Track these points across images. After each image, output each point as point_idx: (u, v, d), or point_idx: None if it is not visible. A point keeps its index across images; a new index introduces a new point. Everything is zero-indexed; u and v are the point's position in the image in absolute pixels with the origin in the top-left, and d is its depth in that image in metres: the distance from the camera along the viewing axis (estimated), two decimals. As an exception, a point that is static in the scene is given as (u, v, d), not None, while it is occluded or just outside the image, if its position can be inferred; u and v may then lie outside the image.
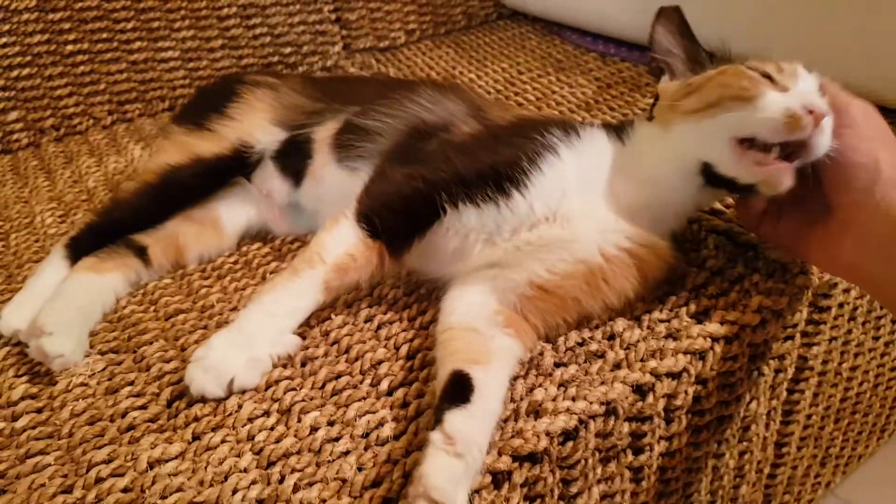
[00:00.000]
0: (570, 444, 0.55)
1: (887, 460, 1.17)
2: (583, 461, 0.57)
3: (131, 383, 0.62)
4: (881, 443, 1.10)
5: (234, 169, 0.81)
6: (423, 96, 0.79)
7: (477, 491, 0.51)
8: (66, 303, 0.67)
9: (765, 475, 0.81)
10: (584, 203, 0.64)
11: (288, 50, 1.36)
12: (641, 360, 0.60)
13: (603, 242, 0.63)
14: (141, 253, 0.76)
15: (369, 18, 1.47)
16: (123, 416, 0.59)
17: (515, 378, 0.59)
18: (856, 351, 0.86)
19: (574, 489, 0.57)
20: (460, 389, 0.53)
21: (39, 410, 0.61)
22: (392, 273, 0.70)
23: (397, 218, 0.66)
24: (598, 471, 0.58)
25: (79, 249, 0.74)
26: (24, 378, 0.64)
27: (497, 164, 0.64)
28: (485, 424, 0.52)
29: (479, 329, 0.60)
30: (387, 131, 0.76)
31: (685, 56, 0.68)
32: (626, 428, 0.58)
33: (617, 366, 0.60)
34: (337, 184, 0.77)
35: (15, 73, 1.10)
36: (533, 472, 0.53)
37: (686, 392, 0.61)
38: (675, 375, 0.60)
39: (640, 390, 0.59)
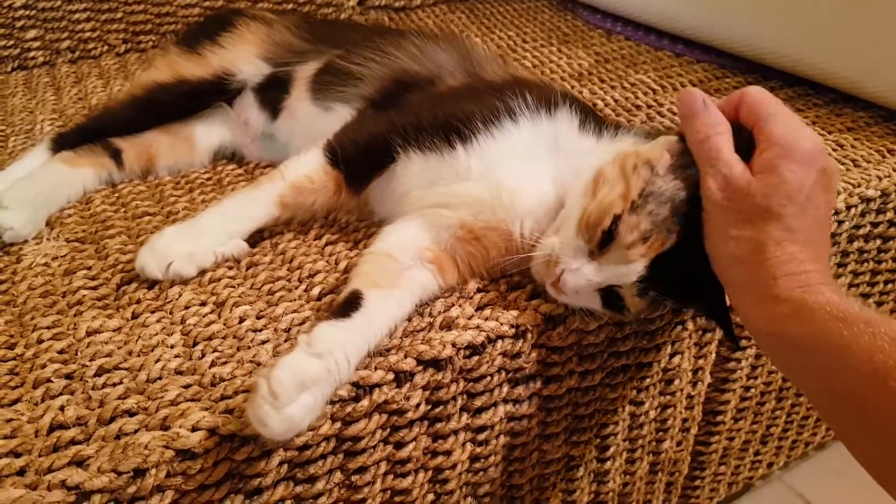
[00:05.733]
0: (476, 358, 0.59)
1: (842, 454, 1.17)
2: (488, 377, 0.60)
3: (88, 268, 0.67)
4: (833, 434, 1.10)
5: (214, 93, 0.86)
6: (411, 45, 0.82)
7: (378, 385, 0.55)
8: (29, 184, 0.73)
9: (692, 436, 0.83)
10: (520, 178, 0.63)
11: (307, 8, 1.39)
12: (559, 295, 0.63)
13: (524, 220, 0.63)
14: (116, 155, 0.81)
15: (387, -24, 1.49)
16: (74, 293, 0.64)
17: (436, 298, 0.63)
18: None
19: (478, 402, 0.61)
20: (348, 306, 0.56)
21: (1, 282, 0.66)
22: (348, 206, 0.74)
23: (357, 153, 0.70)
24: (505, 390, 0.62)
25: (62, 143, 0.81)
26: (-6, 254, 0.69)
27: (452, 117, 0.66)
28: (356, 338, 0.54)
29: (396, 257, 0.62)
30: (367, 76, 0.80)
31: None
32: (534, 354, 0.61)
33: (534, 296, 0.63)
34: (309, 120, 0.82)
35: (36, -8, 1.16)
36: (436, 377, 0.57)
37: (599, 330, 0.64)
38: (589, 313, 0.63)
39: (551, 320, 0.62)
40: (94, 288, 0.65)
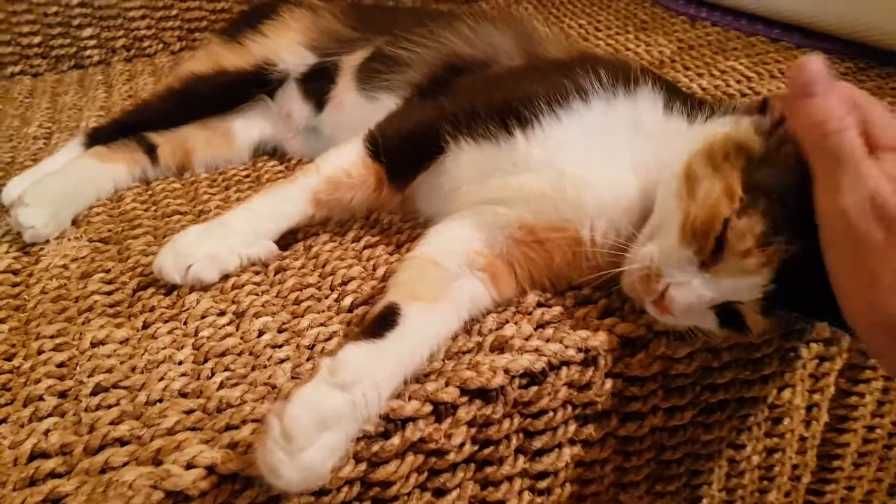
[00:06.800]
0: (535, 388, 0.48)
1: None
2: (550, 413, 0.49)
3: (107, 271, 0.61)
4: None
5: (255, 85, 0.79)
6: (464, 27, 0.73)
7: (413, 419, 0.45)
8: (55, 181, 0.68)
9: (803, 485, 0.69)
10: (590, 168, 0.53)
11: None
12: (640, 312, 0.51)
13: (595, 219, 0.52)
14: (150, 150, 0.76)
15: (452, -32, 1.41)
16: (87, 298, 0.57)
17: (488, 313, 0.53)
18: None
19: (538, 443, 0.50)
20: (381, 324, 0.46)
21: (15, 285, 0.60)
22: (391, 205, 0.66)
23: (401, 144, 0.61)
24: (571, 429, 0.51)
25: (96, 138, 0.76)
26: (14, 254, 0.64)
27: (510, 99, 0.56)
28: (390, 363, 0.44)
29: (441, 263, 0.53)
30: (415, 62, 0.71)
31: None
32: (609, 385, 0.50)
33: (608, 313, 0.52)
34: (356, 111, 0.74)
35: (93, -10, 1.13)
36: (484, 411, 0.47)
37: (690, 358, 0.52)
38: (678, 336, 0.51)
39: (630, 344, 0.50)
40: (109, 293, 0.58)
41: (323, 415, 0.39)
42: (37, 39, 1.12)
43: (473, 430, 0.47)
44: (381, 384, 0.43)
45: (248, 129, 0.80)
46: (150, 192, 0.74)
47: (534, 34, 0.73)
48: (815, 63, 0.43)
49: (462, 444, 0.47)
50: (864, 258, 0.39)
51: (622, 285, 0.50)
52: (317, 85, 0.79)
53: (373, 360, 0.43)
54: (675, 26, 1.20)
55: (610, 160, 0.53)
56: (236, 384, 0.47)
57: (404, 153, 0.61)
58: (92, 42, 1.16)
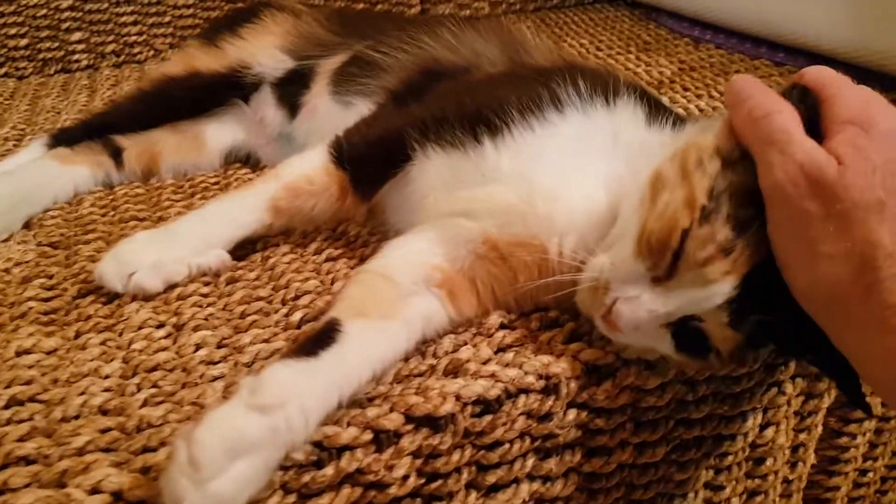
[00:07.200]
0: (489, 417, 0.44)
1: None
2: (506, 444, 0.45)
3: (50, 277, 0.58)
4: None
5: (228, 88, 0.76)
6: (446, 33, 0.70)
7: (350, 447, 0.41)
8: (6, 182, 0.65)
9: (788, 532, 0.64)
10: (561, 182, 0.49)
11: (361, 6, 1.31)
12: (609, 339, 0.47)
13: (563, 235, 0.49)
14: (116, 154, 0.73)
15: (454, -15, 1.40)
16: (22, 304, 0.54)
17: (446, 333, 0.49)
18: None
19: (492, 478, 0.45)
20: (318, 341, 0.42)
21: (-49, 289, 0.57)
22: (357, 215, 0.62)
23: (367, 151, 0.59)
24: (530, 464, 0.46)
25: (60, 140, 0.73)
26: (-46, 257, 0.61)
27: (481, 105, 0.54)
28: (321, 384, 0.40)
29: (394, 279, 0.49)
30: (393, 67, 0.69)
31: None
32: (571, 416, 0.46)
33: (575, 338, 0.48)
34: (328, 117, 0.71)
35: (83, -6, 1.12)
36: (431, 441, 0.43)
37: (663, 389, 0.47)
38: (649, 365, 0.47)
39: (596, 371, 0.46)
40: (47, 300, 0.55)
41: (236, 440, 0.35)
42: (24, 42, 1.10)
43: (419, 462, 0.43)
44: (310, 408, 0.39)
45: (220, 134, 0.77)
46: (111, 197, 0.71)
47: (522, 42, 0.70)
48: (745, 77, 0.45)
49: (406, 477, 0.42)
50: (802, 230, 0.39)
51: (576, 299, 0.46)
52: (291, 90, 0.76)
53: (301, 380, 0.39)
54: (678, 48, 1.17)
55: (583, 174, 0.50)
56: (161, 402, 0.43)
57: (369, 160, 0.58)
58: (80, 46, 1.14)
